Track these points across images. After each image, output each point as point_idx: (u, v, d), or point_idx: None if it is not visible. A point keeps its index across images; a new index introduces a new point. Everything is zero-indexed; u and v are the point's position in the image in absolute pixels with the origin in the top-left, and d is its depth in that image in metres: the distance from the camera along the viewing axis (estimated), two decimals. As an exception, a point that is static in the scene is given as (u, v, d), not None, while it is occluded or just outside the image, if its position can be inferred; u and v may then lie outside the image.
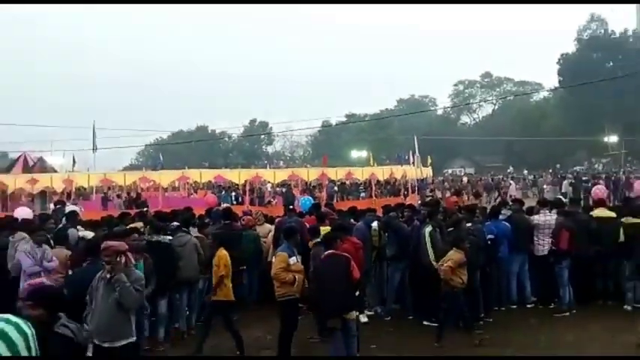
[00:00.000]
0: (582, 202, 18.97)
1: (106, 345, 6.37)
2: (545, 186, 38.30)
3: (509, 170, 62.15)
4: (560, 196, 23.72)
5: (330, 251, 8.45)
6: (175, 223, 11.59)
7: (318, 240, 9.73)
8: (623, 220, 11.70)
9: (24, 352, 2.26)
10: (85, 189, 29.17)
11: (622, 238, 11.45)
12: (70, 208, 17.77)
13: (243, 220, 13.25)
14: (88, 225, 12.79)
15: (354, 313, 8.49)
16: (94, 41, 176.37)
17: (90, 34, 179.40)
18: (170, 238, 10.59)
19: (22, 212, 16.01)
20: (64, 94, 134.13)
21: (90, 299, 6.46)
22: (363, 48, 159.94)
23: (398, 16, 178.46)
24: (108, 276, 6.37)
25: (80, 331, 4.72)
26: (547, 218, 12.01)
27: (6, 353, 2.22)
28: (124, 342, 6.39)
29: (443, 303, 10.01)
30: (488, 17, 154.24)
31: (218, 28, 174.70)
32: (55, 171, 31.26)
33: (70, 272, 9.40)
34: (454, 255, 9.70)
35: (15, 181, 27.06)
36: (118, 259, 6.47)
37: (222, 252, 9.43)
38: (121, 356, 6.38)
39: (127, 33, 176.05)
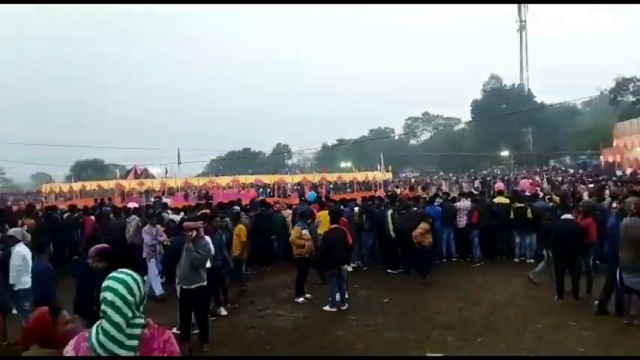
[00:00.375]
0: (487, 193, 19.01)
1: (185, 287, 6.41)
2: (463, 183, 38.22)
3: (441, 174, 61.88)
4: (473, 190, 23.76)
5: (334, 225, 8.49)
6: (237, 208, 11.64)
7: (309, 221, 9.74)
8: (513, 204, 11.73)
9: (137, 293, 2.26)
10: (173, 188, 29.15)
11: (512, 216, 11.50)
12: (163, 200, 17.88)
13: (275, 207, 13.26)
14: (175, 211, 12.89)
15: (346, 265, 8.54)
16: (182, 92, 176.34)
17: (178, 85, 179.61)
18: (227, 219, 10.56)
19: (132, 204, 16.13)
20: (159, 126, 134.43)
21: (180, 258, 6.52)
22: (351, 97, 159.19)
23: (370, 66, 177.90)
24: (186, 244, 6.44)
25: None
26: (464, 204, 12.06)
27: (126, 295, 2.23)
28: (196, 285, 6.41)
29: (416, 257, 10.06)
30: (428, 75, 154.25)
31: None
32: (154, 177, 31.35)
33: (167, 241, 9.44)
34: (423, 225, 9.76)
35: (129, 184, 27.23)
36: (190, 233, 6.52)
37: (240, 226, 9.51)
38: (195, 295, 6.40)
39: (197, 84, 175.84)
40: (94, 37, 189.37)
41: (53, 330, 2.55)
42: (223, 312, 8.02)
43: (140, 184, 26.89)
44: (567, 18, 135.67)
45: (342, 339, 6.71)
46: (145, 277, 9.01)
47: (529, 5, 71.72)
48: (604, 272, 7.69)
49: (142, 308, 2.28)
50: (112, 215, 12.34)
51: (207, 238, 7.31)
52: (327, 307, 8.12)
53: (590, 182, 22.37)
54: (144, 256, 9.37)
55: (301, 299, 8.71)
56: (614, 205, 8.93)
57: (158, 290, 9.10)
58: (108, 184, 29.04)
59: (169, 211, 12.81)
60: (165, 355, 2.25)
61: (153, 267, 9.28)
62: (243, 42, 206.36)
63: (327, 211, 10.53)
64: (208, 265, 7.28)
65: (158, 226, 9.59)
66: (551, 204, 11.61)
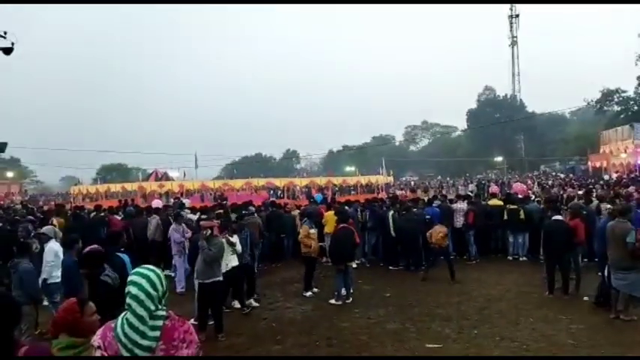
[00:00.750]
0: (482, 196, 18.92)
1: (200, 282, 6.43)
2: (459, 187, 38.10)
3: (438, 178, 61.73)
4: (469, 192, 23.63)
5: (343, 225, 8.46)
6: (252, 209, 11.63)
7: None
8: (506, 206, 11.65)
9: (160, 288, 2.26)
10: (190, 190, 29.20)
11: (506, 216, 11.41)
12: (182, 201, 17.92)
13: (287, 208, 13.24)
14: (192, 210, 12.89)
15: (352, 262, 8.52)
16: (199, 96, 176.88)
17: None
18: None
19: (156, 203, 16.20)
20: (177, 132, 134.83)
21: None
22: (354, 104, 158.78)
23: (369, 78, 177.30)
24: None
25: (116, 279, 4.72)
26: (461, 205, 11.98)
27: (149, 289, 2.22)
28: (211, 280, 6.42)
29: (434, 255, 9.87)
30: (426, 86, 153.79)
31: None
32: (174, 180, 31.38)
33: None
34: (443, 229, 9.67)
35: (150, 186, 27.31)
36: (205, 232, 6.54)
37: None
38: (210, 289, 6.41)
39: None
40: (117, 48, 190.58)
41: (80, 320, 2.56)
42: (237, 304, 8.00)
43: (160, 186, 26.95)
44: (557, 33, 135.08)
45: (346, 330, 6.68)
46: (167, 272, 8.99)
47: (520, 21, 71.33)
48: (592, 270, 7.62)
49: (164, 301, 2.28)
50: (134, 215, 12.38)
51: (235, 237, 7.41)
52: (332, 301, 8.08)
53: (579, 186, 22.20)
54: (173, 253, 9.33)
55: (309, 293, 8.67)
56: (607, 206, 8.87)
57: (180, 287, 9.05)
58: (131, 186, 29.19)
59: (187, 211, 12.82)
60: (185, 344, 2.24)
61: (181, 263, 9.17)
62: (249, 52, 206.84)
63: (333, 212, 10.53)
64: (236, 263, 7.31)
65: (183, 224, 9.51)
66: (541, 206, 11.54)
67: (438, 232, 9.57)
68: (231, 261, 7.31)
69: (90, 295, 4.44)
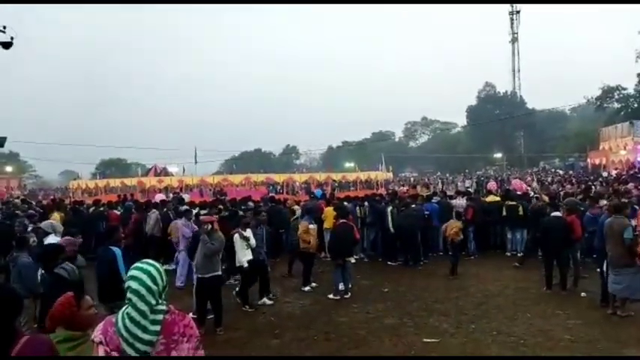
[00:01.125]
0: (480, 192, 18.96)
1: (200, 276, 6.45)
2: (458, 183, 38.04)
3: (438, 174, 61.63)
4: (467, 188, 23.64)
5: (342, 220, 8.48)
6: (250, 204, 11.64)
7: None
8: (505, 202, 11.68)
9: (160, 282, 2.27)
10: (189, 185, 29.20)
11: (504, 213, 11.44)
12: (181, 196, 17.96)
13: (287, 203, 13.26)
14: (191, 205, 12.91)
15: (350, 258, 8.54)
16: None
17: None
18: (242, 213, 10.52)
19: (159, 197, 16.32)
20: (177, 127, 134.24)
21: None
22: (352, 104, 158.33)
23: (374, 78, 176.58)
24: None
25: (74, 272, 4.69)
26: (460, 202, 12.06)
27: (150, 284, 2.23)
28: (211, 274, 6.44)
29: (450, 249, 9.91)
30: (426, 83, 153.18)
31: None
32: (173, 175, 31.38)
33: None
34: (457, 224, 9.74)
35: (149, 181, 27.37)
36: (206, 226, 6.55)
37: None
38: (209, 284, 6.43)
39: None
40: (116, 44, 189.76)
41: (77, 314, 2.59)
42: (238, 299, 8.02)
43: (160, 181, 26.99)
44: (557, 30, 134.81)
45: (345, 324, 6.71)
46: (166, 266, 8.99)
47: (521, 17, 71.08)
48: (589, 266, 7.64)
49: (164, 295, 2.29)
50: (133, 209, 12.40)
51: (249, 232, 7.42)
52: (331, 296, 8.11)
53: (578, 183, 22.22)
54: (180, 248, 9.29)
55: (307, 288, 8.70)
56: (604, 202, 8.89)
57: (179, 282, 9.04)
58: (130, 182, 29.22)
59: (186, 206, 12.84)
60: (186, 338, 2.25)
61: (185, 258, 9.04)
62: (250, 47, 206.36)
63: (332, 207, 10.54)
64: (250, 257, 7.35)
65: (192, 221, 9.46)
66: (540, 203, 11.55)
67: (452, 226, 9.67)
68: (246, 255, 7.45)
69: (48, 288, 4.47)
